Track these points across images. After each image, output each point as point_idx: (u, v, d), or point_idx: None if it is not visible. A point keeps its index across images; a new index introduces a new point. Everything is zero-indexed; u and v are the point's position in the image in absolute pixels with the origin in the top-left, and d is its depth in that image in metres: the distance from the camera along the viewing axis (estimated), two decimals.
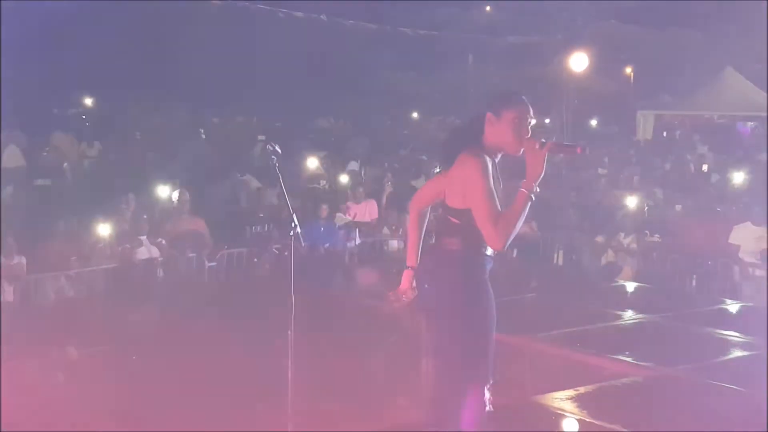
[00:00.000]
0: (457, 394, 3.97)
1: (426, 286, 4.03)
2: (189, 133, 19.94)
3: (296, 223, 4.45)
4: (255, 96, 23.20)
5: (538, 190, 3.83)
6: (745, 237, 9.90)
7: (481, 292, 3.95)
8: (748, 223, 9.98)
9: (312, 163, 15.50)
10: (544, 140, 3.84)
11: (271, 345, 5.19)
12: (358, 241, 11.71)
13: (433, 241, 4.09)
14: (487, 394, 3.99)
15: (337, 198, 12.88)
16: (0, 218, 9.60)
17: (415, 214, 4.26)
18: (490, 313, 3.95)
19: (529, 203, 3.80)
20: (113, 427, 5.87)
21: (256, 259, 10.79)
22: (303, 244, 4.55)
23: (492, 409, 4.02)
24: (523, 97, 3.98)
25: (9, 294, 8.93)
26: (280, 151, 4.41)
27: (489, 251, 3.94)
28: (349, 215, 12.16)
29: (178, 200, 11.00)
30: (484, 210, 3.77)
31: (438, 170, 4.23)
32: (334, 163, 16.68)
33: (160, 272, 10.07)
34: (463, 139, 3.98)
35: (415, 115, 28.71)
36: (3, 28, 16.59)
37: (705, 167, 16.76)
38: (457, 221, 3.93)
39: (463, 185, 3.86)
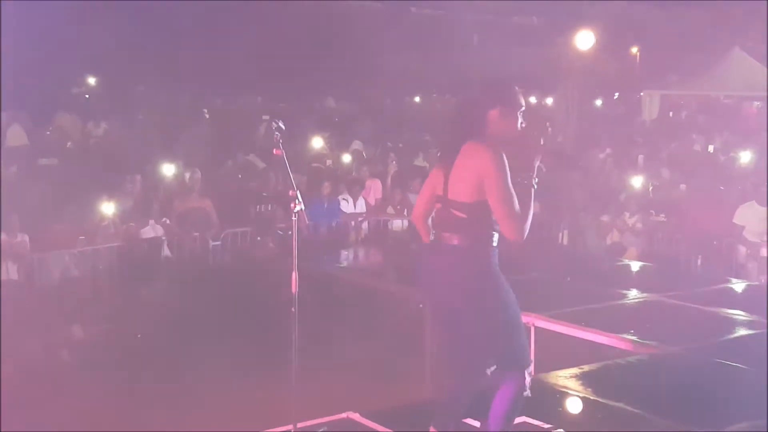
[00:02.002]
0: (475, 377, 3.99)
1: (438, 285, 3.97)
2: (193, 113, 19.89)
3: (300, 200, 4.42)
4: (259, 76, 23.12)
5: (536, 180, 3.97)
6: (750, 217, 9.87)
7: (502, 281, 3.93)
8: (753, 203, 9.95)
9: (316, 142, 15.48)
10: (542, 140, 4.04)
11: (275, 326, 5.18)
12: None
13: (435, 237, 4.01)
14: (527, 378, 4.00)
15: (338, 177, 12.85)
16: (1, 196, 9.59)
17: (422, 223, 4.19)
18: (513, 299, 3.96)
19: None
20: (115, 408, 5.89)
21: (259, 238, 10.80)
22: (308, 223, 4.51)
23: (530, 393, 4.04)
24: (518, 89, 4.01)
25: (13, 272, 8.94)
26: (283, 127, 4.38)
27: (496, 242, 3.92)
28: (365, 196, 12.13)
29: (189, 179, 10.96)
30: (509, 203, 3.78)
31: (439, 154, 4.16)
32: (338, 142, 16.65)
33: (165, 251, 10.08)
34: (468, 130, 3.93)
35: (419, 95, 28.60)
36: (4, 8, 16.52)
37: (711, 148, 16.68)
38: (463, 215, 3.88)
39: (479, 177, 3.81)
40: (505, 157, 3.83)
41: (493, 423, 4.05)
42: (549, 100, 22.67)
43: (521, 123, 3.99)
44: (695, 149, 16.58)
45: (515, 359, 4.00)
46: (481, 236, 3.88)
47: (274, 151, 4.34)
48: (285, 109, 21.19)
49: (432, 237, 4.06)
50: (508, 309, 3.95)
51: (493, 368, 4.00)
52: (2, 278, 8.78)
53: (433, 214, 4.11)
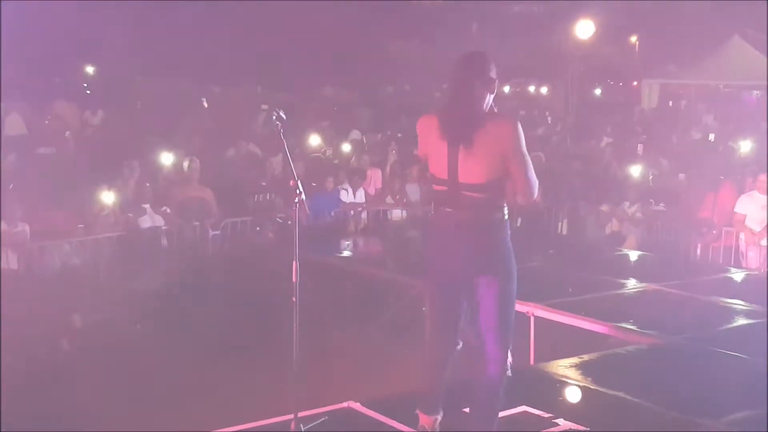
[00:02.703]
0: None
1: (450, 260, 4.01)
2: (191, 102, 19.84)
3: (301, 190, 4.41)
4: (258, 65, 23.06)
5: None
6: (751, 206, 9.87)
7: (512, 256, 4.05)
8: (755, 192, 9.94)
9: (315, 132, 15.44)
10: None
11: (275, 315, 5.19)
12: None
13: (442, 213, 4.02)
14: (509, 357, 4.07)
15: (337, 167, 12.83)
16: (1, 185, 9.58)
17: None
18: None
19: None
20: (114, 398, 5.89)
21: (258, 228, 10.80)
22: (309, 212, 4.50)
23: (511, 374, 4.09)
24: None
25: (13, 262, 8.94)
26: (284, 116, 4.36)
27: (507, 215, 4.00)
28: (365, 187, 12.13)
29: (188, 168, 10.93)
30: (530, 166, 3.92)
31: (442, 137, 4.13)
32: (337, 132, 16.61)
33: (164, 241, 10.08)
34: (475, 109, 3.95)
35: (418, 83, 28.52)
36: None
37: (712, 136, 16.66)
38: (477, 195, 3.90)
39: (502, 150, 3.86)
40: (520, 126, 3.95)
41: (486, 406, 4.08)
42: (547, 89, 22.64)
43: None
44: (695, 138, 16.57)
45: (510, 337, 4.07)
46: (494, 211, 3.95)
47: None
48: (284, 99, 21.15)
49: (435, 212, 4.07)
50: (514, 285, 4.05)
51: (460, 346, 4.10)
52: (2, 267, 8.78)
53: (435, 193, 4.09)
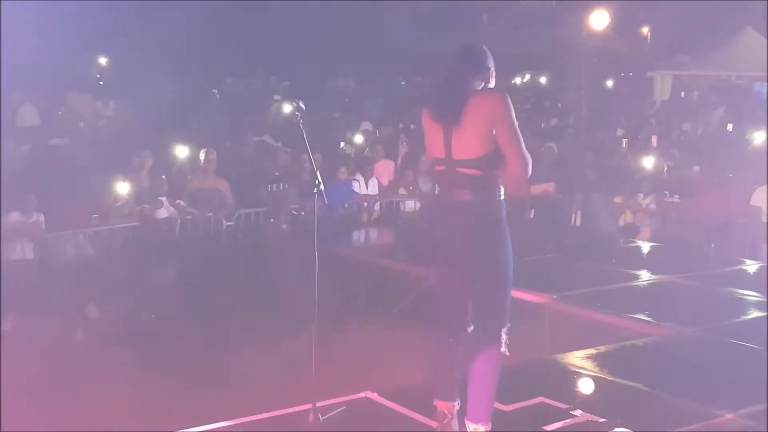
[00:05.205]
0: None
1: (452, 242, 4.03)
2: (204, 93, 19.88)
3: (320, 180, 4.42)
4: (270, 56, 23.07)
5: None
6: (766, 198, 9.83)
7: (509, 236, 4.05)
8: None
9: (328, 123, 15.47)
10: None
11: (291, 306, 5.20)
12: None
13: (443, 195, 4.07)
14: (504, 337, 4.08)
15: (350, 159, 12.83)
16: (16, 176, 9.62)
17: None
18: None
19: None
20: (129, 388, 5.90)
21: (272, 219, 10.82)
22: (326, 203, 4.52)
23: (507, 353, 4.10)
24: None
25: (29, 251, 8.98)
26: (304, 107, 4.38)
27: (503, 196, 4.03)
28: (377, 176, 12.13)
29: (204, 159, 10.94)
30: (519, 140, 3.93)
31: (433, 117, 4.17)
32: (348, 123, 16.63)
33: (178, 231, 10.11)
34: (466, 88, 4.00)
35: (429, 75, 28.48)
36: None
37: (730, 126, 16.57)
38: (471, 171, 3.96)
39: (491, 123, 3.90)
40: (509, 99, 3.97)
41: (484, 388, 4.06)
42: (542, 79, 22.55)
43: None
44: (711, 128, 16.49)
45: (506, 317, 4.09)
46: (490, 190, 3.99)
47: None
48: (296, 89, 21.16)
49: (437, 194, 4.12)
50: (511, 264, 4.06)
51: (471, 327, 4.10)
52: (17, 257, 8.83)
53: (435, 175, 4.15)
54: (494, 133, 3.92)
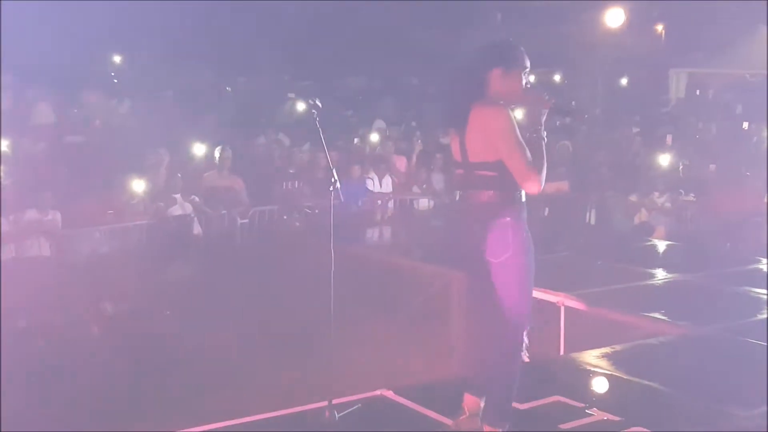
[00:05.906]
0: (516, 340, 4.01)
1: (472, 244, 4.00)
2: (218, 91, 19.91)
3: (336, 178, 4.43)
4: (284, 54, 23.07)
5: (545, 133, 3.99)
6: None
7: (529, 238, 4.00)
8: None
9: (342, 121, 15.48)
10: (547, 96, 4.02)
11: (307, 304, 5.20)
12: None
13: (462, 198, 4.05)
14: (525, 340, 4.05)
15: (364, 157, 12.83)
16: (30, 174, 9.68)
17: None
18: (533, 258, 4.02)
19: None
20: (143, 385, 5.92)
21: (285, 217, 10.84)
22: (342, 200, 4.52)
23: (528, 360, 4.07)
24: (522, 49, 4.05)
25: (45, 249, 9.03)
26: (320, 105, 4.38)
27: (524, 198, 3.98)
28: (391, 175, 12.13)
29: (219, 157, 10.96)
30: (521, 157, 3.84)
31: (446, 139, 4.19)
32: (361, 120, 16.62)
33: (193, 229, 10.14)
34: (470, 95, 3.95)
35: (442, 73, 28.43)
36: None
37: (746, 125, 16.46)
38: (488, 173, 3.93)
39: (492, 136, 3.86)
40: (510, 113, 3.89)
41: (497, 391, 4.03)
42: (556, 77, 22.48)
43: (526, 83, 4.03)
44: (727, 126, 16.39)
45: (525, 320, 4.03)
46: (508, 192, 3.94)
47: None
48: (310, 88, 21.16)
49: (457, 198, 4.10)
50: (530, 266, 4.00)
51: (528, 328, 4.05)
52: (34, 254, 8.88)
53: (455, 177, 4.13)
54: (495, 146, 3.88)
